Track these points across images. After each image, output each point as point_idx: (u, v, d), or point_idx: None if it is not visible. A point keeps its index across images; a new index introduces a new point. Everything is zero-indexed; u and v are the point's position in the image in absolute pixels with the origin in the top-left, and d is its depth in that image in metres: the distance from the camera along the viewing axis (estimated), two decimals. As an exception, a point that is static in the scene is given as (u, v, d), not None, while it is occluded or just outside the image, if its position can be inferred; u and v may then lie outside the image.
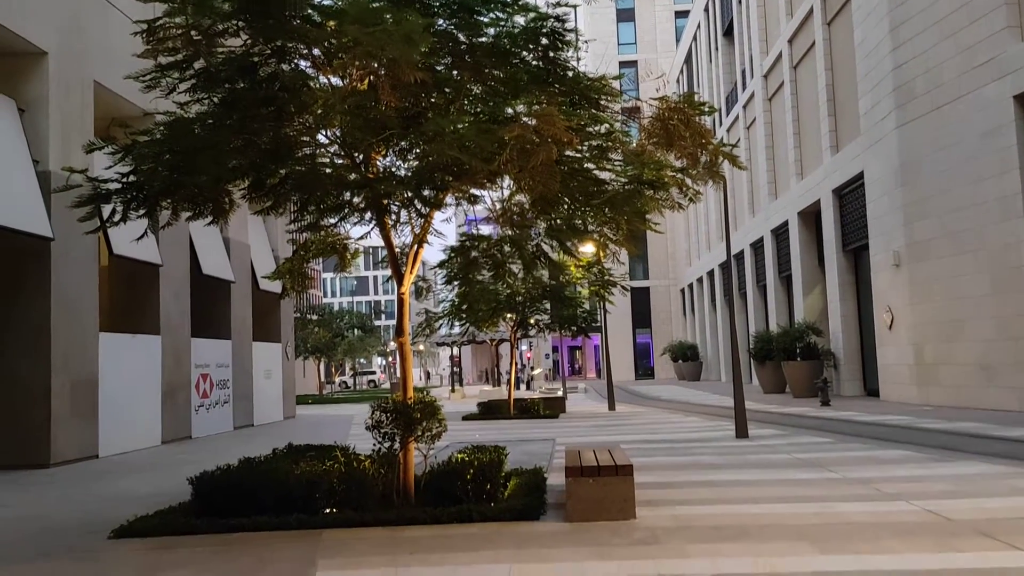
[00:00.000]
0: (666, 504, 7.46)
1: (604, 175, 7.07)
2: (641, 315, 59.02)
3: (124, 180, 6.77)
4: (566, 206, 7.68)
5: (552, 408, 21.96)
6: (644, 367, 59.57)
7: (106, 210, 7.19)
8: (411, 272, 8.33)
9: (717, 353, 43.44)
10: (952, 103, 17.60)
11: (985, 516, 6.52)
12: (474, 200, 8.89)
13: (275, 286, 24.37)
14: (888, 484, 8.20)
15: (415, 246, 8.27)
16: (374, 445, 7.82)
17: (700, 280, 47.50)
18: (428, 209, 7.29)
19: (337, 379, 72.91)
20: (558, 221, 7.88)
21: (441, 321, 22.10)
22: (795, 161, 28.18)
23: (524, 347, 66.04)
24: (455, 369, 53.88)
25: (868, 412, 17.32)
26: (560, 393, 30.46)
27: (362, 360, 77.68)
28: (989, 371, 16.73)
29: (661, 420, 18.53)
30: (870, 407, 18.86)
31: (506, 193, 8.58)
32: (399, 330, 8.33)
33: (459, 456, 7.97)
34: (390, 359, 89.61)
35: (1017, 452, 10.33)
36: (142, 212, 7.07)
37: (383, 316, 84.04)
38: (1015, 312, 15.93)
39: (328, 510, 7.47)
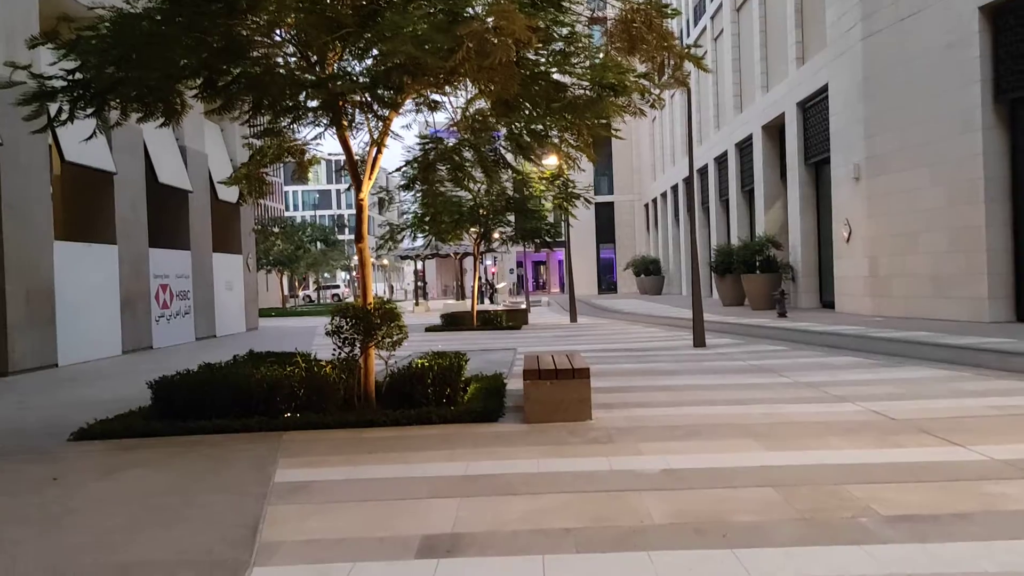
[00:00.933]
0: (622, 407, 7.63)
1: (566, 79, 6.97)
2: (605, 230, 59.16)
3: (70, 77, 6.53)
4: (527, 111, 7.58)
5: (515, 320, 22.15)
6: (607, 282, 60.02)
7: (53, 110, 6.95)
8: (369, 177, 8.23)
9: (679, 267, 43.87)
10: (917, 14, 17.49)
11: (926, 416, 6.76)
12: (434, 106, 8.71)
13: (234, 196, 24.01)
14: (836, 388, 8.45)
15: (373, 150, 8.15)
16: (334, 352, 7.84)
17: (664, 195, 47.57)
18: (387, 112, 7.14)
19: (301, 293, 72.68)
20: (518, 126, 7.79)
21: (404, 233, 21.96)
22: (761, 73, 28.00)
23: (488, 262, 66.07)
24: (419, 283, 53.94)
25: (822, 323, 17.72)
26: (523, 306, 30.74)
27: (326, 275, 77.27)
28: (939, 283, 17.12)
29: (621, 331, 18.81)
30: (825, 318, 19.28)
31: (466, 99, 8.45)
32: (358, 236, 8.29)
33: (419, 362, 8.05)
34: (354, 273, 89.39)
35: (962, 358, 10.66)
36: (90, 111, 6.85)
37: (346, 231, 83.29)
38: (967, 224, 16.22)
39: (289, 414, 7.54)
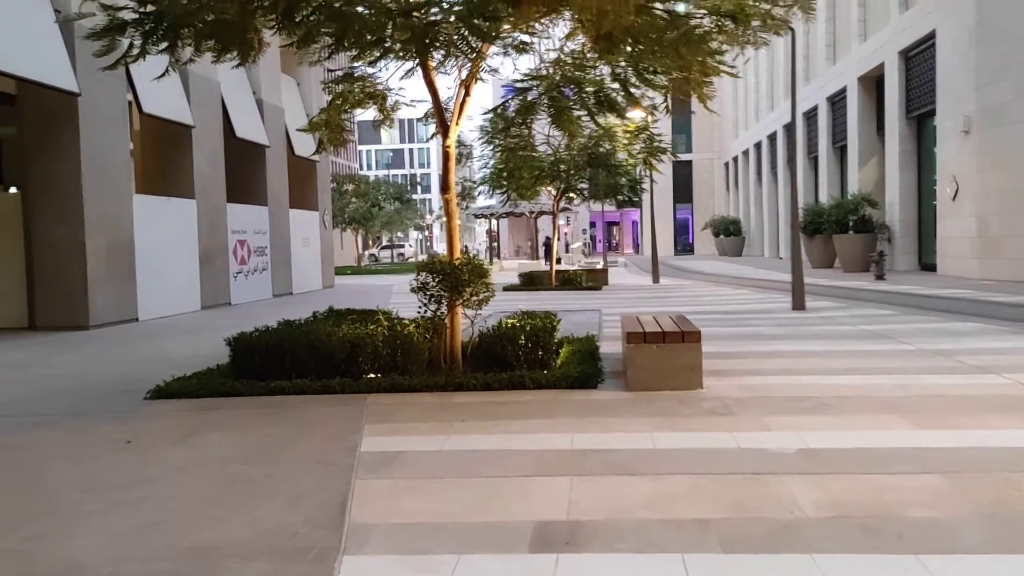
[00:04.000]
0: (732, 374, 6.94)
1: (679, 6, 6.22)
2: (682, 189, 57.62)
3: (141, 9, 6.05)
4: (630, 48, 6.83)
5: (594, 280, 21.43)
6: (683, 243, 58.61)
7: (124, 46, 6.48)
8: (457, 122, 7.64)
9: (761, 228, 42.32)
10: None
11: (1091, 391, 5.92)
12: (522, 48, 8.01)
13: (311, 151, 23.75)
14: (970, 356, 7.59)
15: (461, 92, 7.54)
16: (419, 310, 7.32)
17: (746, 153, 45.86)
18: (480, 43, 6.46)
19: (367, 253, 72.47)
20: (622, 67, 7.03)
21: (481, 189, 21.35)
22: (859, 21, 26.34)
23: (561, 222, 65.23)
24: (493, 243, 53.50)
25: (927, 286, 16.56)
26: (600, 266, 29.99)
27: (400, 234, 76.88)
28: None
29: (709, 292, 17.97)
30: (928, 281, 18.08)
31: (560, 39, 7.74)
32: (444, 186, 7.72)
33: (510, 321, 7.47)
34: (426, 232, 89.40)
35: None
36: (162, 47, 6.37)
37: (419, 189, 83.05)
38: (1097, 182, 14.84)
39: (372, 375, 7.07)
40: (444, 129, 7.56)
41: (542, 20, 6.65)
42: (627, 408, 5.80)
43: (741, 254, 45.38)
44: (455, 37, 6.20)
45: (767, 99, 39.82)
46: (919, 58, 22.05)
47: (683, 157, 55.93)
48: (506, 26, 6.77)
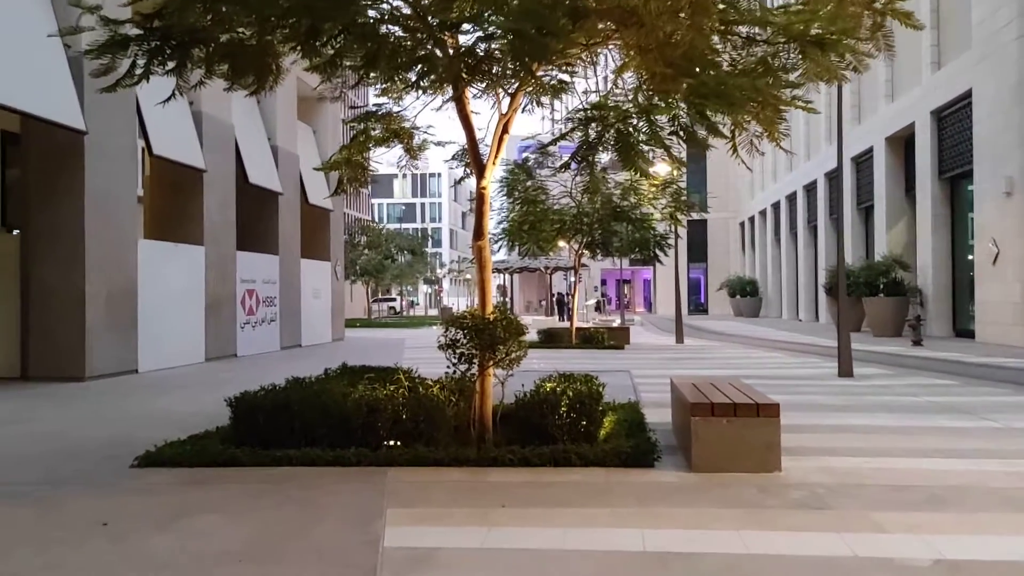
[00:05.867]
0: (806, 454, 6.02)
1: (755, 31, 5.46)
2: (695, 248, 56.85)
3: (147, 25, 5.33)
4: (691, 83, 6.05)
5: (616, 339, 20.51)
6: (695, 302, 57.63)
7: (126, 66, 5.75)
8: (494, 162, 6.86)
9: (779, 289, 41.44)
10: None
11: None
12: (560, 88, 7.22)
13: (325, 200, 23.13)
14: (1074, 438, 6.67)
15: (500, 128, 6.78)
16: (447, 369, 6.46)
17: (763, 212, 45.21)
18: (524, 73, 5.68)
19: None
20: (683, 106, 6.23)
21: (499, 242, 20.59)
22: (886, 81, 25.84)
23: (572, 278, 64.52)
24: (505, 299, 52.70)
25: (973, 353, 15.62)
26: (616, 324, 29.12)
27: (409, 287, 75.70)
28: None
29: (740, 355, 17.04)
30: (970, 348, 17.14)
31: (614, 69, 6.98)
32: (478, 232, 6.90)
33: (549, 385, 6.59)
34: (436, 287, 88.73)
35: None
36: (169, 67, 5.63)
37: (430, 243, 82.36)
38: None
39: (391, 443, 6.19)
40: (479, 169, 6.78)
41: (596, 49, 5.90)
42: (698, 496, 4.89)
43: (758, 315, 44.45)
44: (503, 59, 5.40)
45: (786, 158, 39.30)
46: (952, 118, 21.42)
47: (697, 216, 55.35)
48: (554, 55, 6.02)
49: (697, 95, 5.33)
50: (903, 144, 25.10)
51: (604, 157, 6.92)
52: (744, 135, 6.15)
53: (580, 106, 6.85)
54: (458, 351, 6.40)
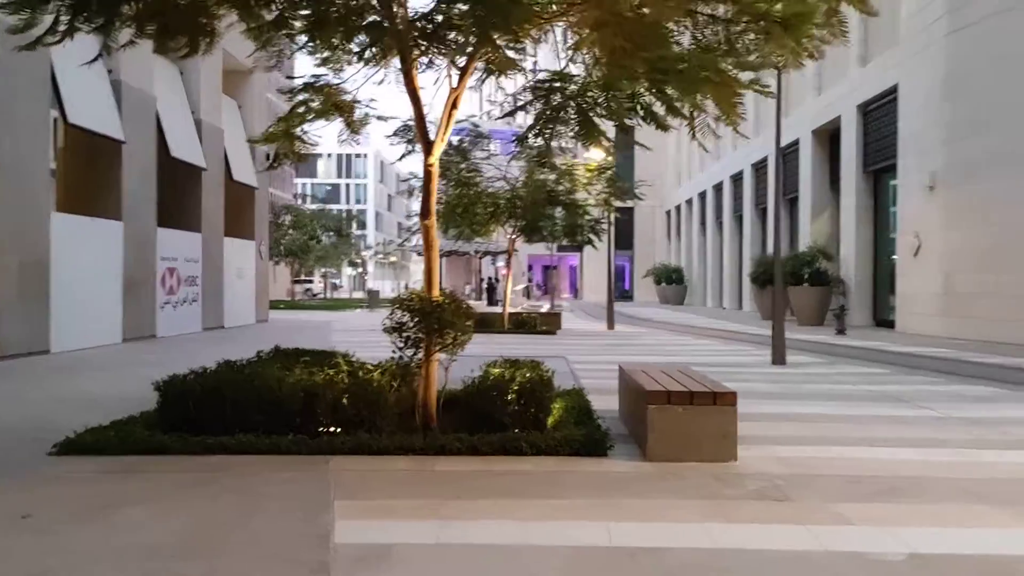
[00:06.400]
0: (758, 443, 5.94)
1: (719, 11, 5.31)
2: (622, 236, 57.28)
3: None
4: (646, 66, 5.87)
5: (548, 324, 20.42)
6: (620, 289, 58.15)
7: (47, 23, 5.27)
8: (443, 138, 6.59)
9: (704, 277, 42.12)
10: (1012, 10, 15.81)
11: None
12: (512, 63, 6.96)
13: (250, 177, 22.39)
14: (1016, 428, 6.76)
15: (449, 103, 6.51)
16: (393, 353, 6.18)
17: (689, 202, 45.79)
18: (484, 43, 5.41)
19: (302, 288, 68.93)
20: (644, 85, 6.04)
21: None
22: (814, 74, 26.30)
23: (501, 263, 64.32)
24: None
25: (896, 343, 16.01)
26: (546, 309, 29.10)
27: (333, 269, 74.44)
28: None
29: (672, 342, 17.12)
30: (891, 338, 17.60)
31: (562, 52, 6.76)
32: (425, 211, 6.64)
33: (495, 371, 6.37)
34: (360, 269, 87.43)
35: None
36: (96, 24, 5.18)
37: (355, 224, 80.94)
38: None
39: (331, 430, 5.90)
40: (427, 145, 6.49)
41: (558, 20, 5.67)
42: (656, 486, 4.74)
43: (683, 303, 45.07)
44: (463, 26, 5.12)
45: (713, 148, 39.80)
46: (878, 112, 21.92)
47: (622, 204, 55.72)
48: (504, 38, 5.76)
49: (658, 71, 5.14)
50: (828, 137, 25.62)
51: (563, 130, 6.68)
52: (701, 116, 6.02)
53: (543, 77, 6.59)
54: (404, 335, 6.13)
